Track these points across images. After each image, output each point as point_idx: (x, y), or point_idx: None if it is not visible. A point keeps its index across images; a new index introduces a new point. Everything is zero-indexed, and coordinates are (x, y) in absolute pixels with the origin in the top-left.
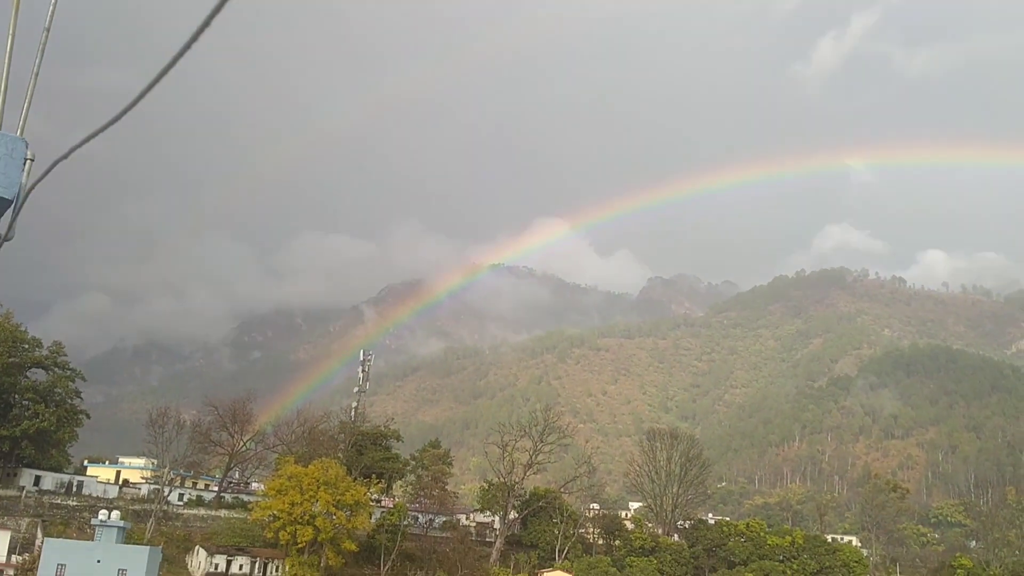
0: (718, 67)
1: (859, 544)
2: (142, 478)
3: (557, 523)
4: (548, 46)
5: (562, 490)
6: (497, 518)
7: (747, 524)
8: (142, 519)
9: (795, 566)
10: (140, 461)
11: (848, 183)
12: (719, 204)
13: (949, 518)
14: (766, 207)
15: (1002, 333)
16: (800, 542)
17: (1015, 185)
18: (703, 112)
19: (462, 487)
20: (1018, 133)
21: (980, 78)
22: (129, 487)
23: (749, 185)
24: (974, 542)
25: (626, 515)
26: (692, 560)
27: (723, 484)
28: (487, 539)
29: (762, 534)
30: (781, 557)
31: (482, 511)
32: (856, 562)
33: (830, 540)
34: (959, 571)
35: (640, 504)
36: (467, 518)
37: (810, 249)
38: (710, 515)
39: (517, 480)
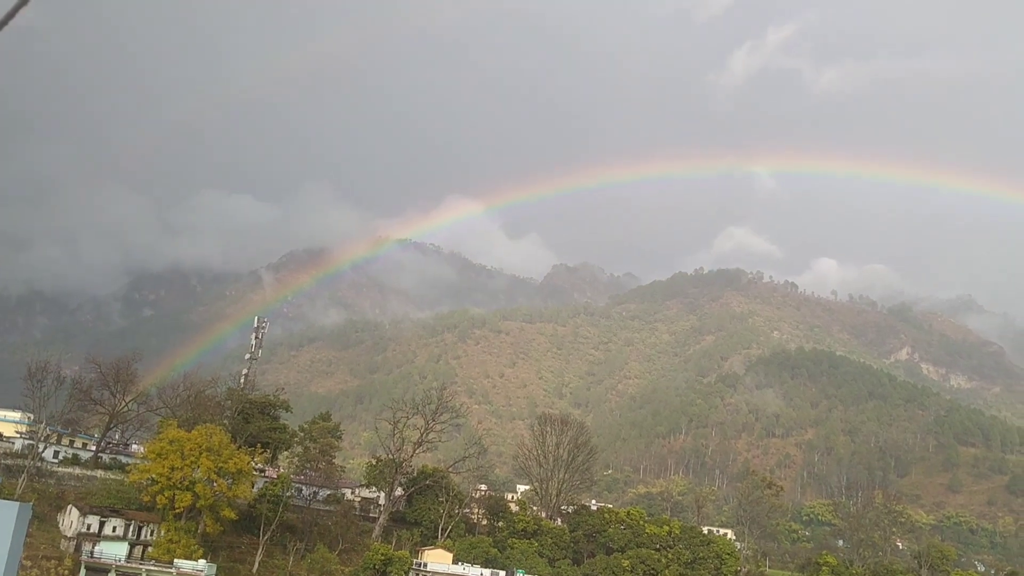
0: (638, 67)
1: (733, 537)
2: (16, 432)
3: (442, 502)
4: (476, 28)
5: (450, 469)
6: (383, 494)
7: (627, 512)
8: (14, 474)
9: (670, 555)
10: (16, 415)
11: (752, 188)
12: (628, 198)
13: (820, 517)
14: (672, 205)
15: (883, 343)
16: (677, 532)
17: (906, 202)
18: (620, 108)
19: (351, 461)
20: (913, 152)
21: (881, 98)
22: (2, 440)
23: (658, 182)
24: (841, 541)
25: (512, 497)
26: (572, 544)
27: (609, 472)
28: (371, 515)
29: (641, 523)
30: (658, 546)
31: (368, 487)
32: (728, 554)
33: (706, 532)
34: (824, 568)
35: (527, 487)
36: (352, 493)
37: (711, 249)
38: (593, 502)
39: (406, 457)
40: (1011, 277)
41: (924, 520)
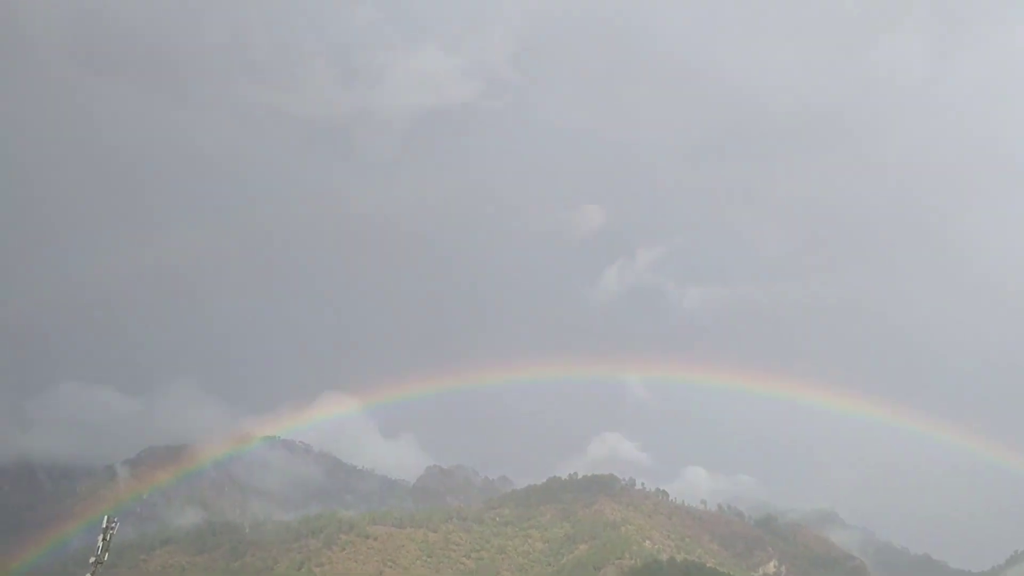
0: (516, 278)
1: None
2: None
3: None
4: (357, 235)
5: None
6: None
7: None
8: None
9: None
10: None
11: (624, 396)
12: (504, 401)
13: None
14: (548, 409)
15: (751, 554)
16: None
17: (769, 415)
18: (499, 316)
19: None
20: (774, 368)
21: (742, 316)
22: None
23: (534, 386)
24: None
25: None
26: None
27: None
28: None
29: None
30: None
31: None
32: None
33: None
34: None
35: None
36: None
37: (585, 454)
38: None
39: None
40: (870, 492)
41: None
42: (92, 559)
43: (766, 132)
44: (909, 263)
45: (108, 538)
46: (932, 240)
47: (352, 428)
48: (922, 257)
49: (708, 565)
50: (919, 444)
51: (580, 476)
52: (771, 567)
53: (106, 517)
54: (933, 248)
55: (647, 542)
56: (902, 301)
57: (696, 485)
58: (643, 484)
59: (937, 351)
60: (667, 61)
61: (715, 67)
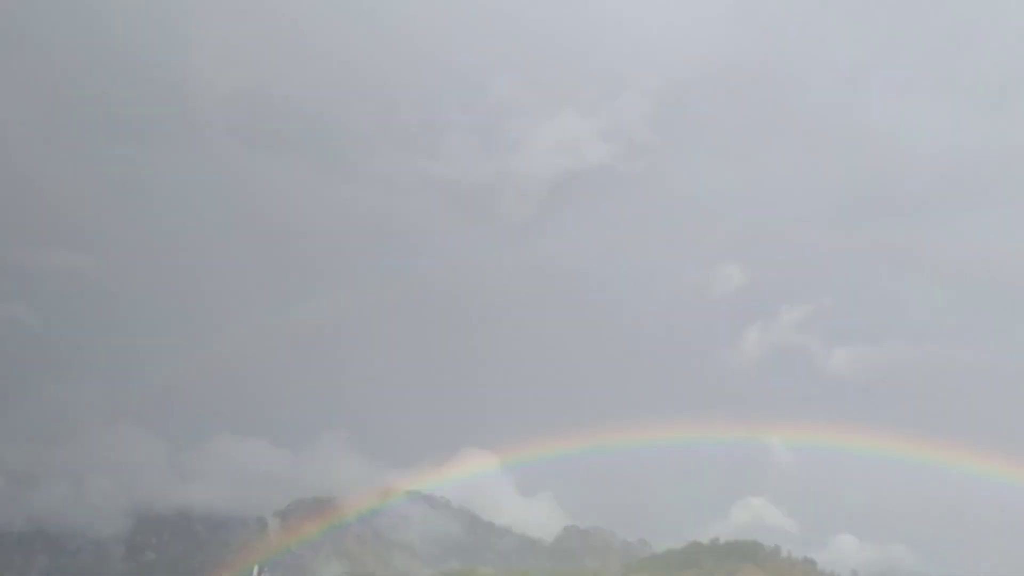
0: (655, 335)
1: None
2: None
3: None
4: (496, 289)
5: None
6: None
7: None
8: None
9: None
10: None
11: (768, 460)
12: (644, 462)
13: None
14: (688, 472)
15: None
16: None
17: (925, 482)
18: (638, 374)
19: None
20: (929, 432)
21: (893, 378)
22: None
23: (674, 448)
24: None
25: None
26: None
27: None
28: None
29: None
30: None
31: None
32: None
33: None
34: None
35: None
36: None
37: (727, 519)
38: None
39: None
40: None
41: None
42: None
43: (917, 189)
44: None
45: None
46: None
47: (491, 484)
48: None
49: None
50: None
51: (722, 542)
52: None
53: (257, 567)
54: None
55: None
56: None
57: (846, 555)
58: (789, 552)
59: None
60: (812, 116)
61: (863, 122)
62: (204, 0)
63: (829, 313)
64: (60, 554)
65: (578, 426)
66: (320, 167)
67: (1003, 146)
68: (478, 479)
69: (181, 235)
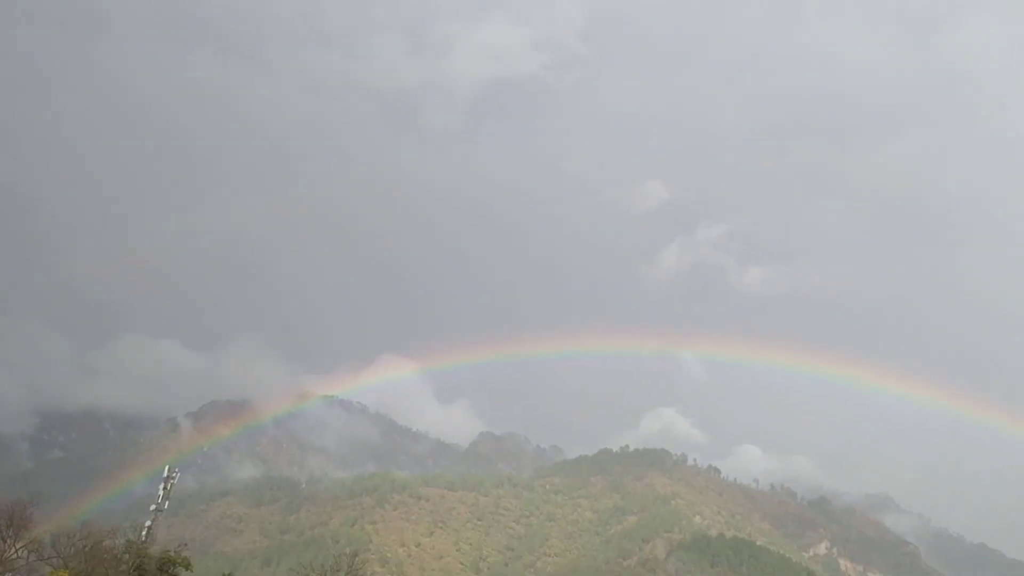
0: (576, 252)
1: None
2: None
3: None
4: (419, 209)
5: None
6: None
7: None
8: None
9: None
10: None
11: (680, 373)
12: (559, 372)
13: None
14: (602, 382)
15: (803, 535)
16: None
17: (828, 397)
18: (558, 288)
19: None
20: (836, 351)
21: (804, 298)
22: None
23: (590, 359)
24: None
25: None
26: None
27: None
28: None
29: None
30: None
31: None
32: None
33: None
34: None
35: None
36: None
37: (638, 428)
38: None
39: None
40: (927, 478)
41: None
42: (153, 507)
43: (842, 114)
44: (983, 253)
45: (169, 487)
46: (1007, 230)
47: (408, 391)
48: (997, 248)
49: (758, 543)
50: (979, 435)
51: (632, 449)
52: (822, 548)
53: (167, 467)
54: (1009, 238)
55: (697, 517)
56: (973, 292)
57: (750, 464)
58: (695, 460)
59: (1010, 345)
60: (741, 41)
61: (790, 50)
62: None
63: (746, 232)
64: None
65: (497, 336)
66: (237, 62)
67: (928, 77)
68: (396, 385)
69: (90, 131)
